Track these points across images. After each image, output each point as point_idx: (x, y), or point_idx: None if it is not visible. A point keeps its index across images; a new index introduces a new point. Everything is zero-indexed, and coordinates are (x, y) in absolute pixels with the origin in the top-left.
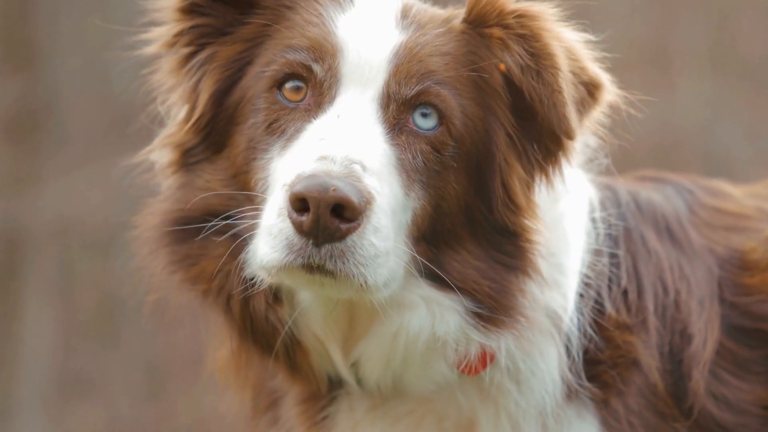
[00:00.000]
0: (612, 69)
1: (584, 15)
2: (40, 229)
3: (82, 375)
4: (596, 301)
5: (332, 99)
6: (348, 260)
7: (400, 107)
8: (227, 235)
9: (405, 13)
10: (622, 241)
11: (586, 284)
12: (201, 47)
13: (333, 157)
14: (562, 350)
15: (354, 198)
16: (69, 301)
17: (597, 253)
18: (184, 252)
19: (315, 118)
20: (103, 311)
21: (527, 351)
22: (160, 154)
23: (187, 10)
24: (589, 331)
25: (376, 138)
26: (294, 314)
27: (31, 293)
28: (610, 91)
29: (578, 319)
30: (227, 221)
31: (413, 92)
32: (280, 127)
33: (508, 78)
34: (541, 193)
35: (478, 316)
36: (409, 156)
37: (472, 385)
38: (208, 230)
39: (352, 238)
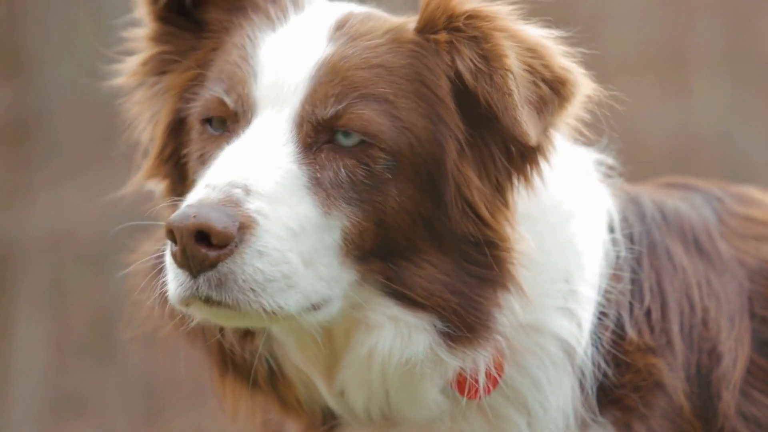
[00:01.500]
0: (626, 72)
1: (597, 16)
2: (31, 243)
3: (76, 394)
4: (616, 325)
5: (248, 123)
6: (230, 288)
7: (316, 127)
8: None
9: (341, 25)
10: (645, 257)
11: (604, 310)
12: (162, 75)
13: (215, 183)
14: (576, 383)
15: (216, 224)
16: (61, 317)
17: (617, 274)
18: (159, 288)
19: (228, 144)
20: (97, 328)
21: (535, 381)
22: (154, 184)
23: (156, 38)
24: (603, 361)
25: (280, 159)
26: (265, 345)
27: (22, 310)
28: (583, 86)
29: (596, 348)
30: None
31: (330, 113)
32: (206, 157)
33: (459, 85)
34: (543, 208)
35: (447, 335)
36: (329, 173)
37: (478, 415)
38: (157, 261)
39: (226, 265)
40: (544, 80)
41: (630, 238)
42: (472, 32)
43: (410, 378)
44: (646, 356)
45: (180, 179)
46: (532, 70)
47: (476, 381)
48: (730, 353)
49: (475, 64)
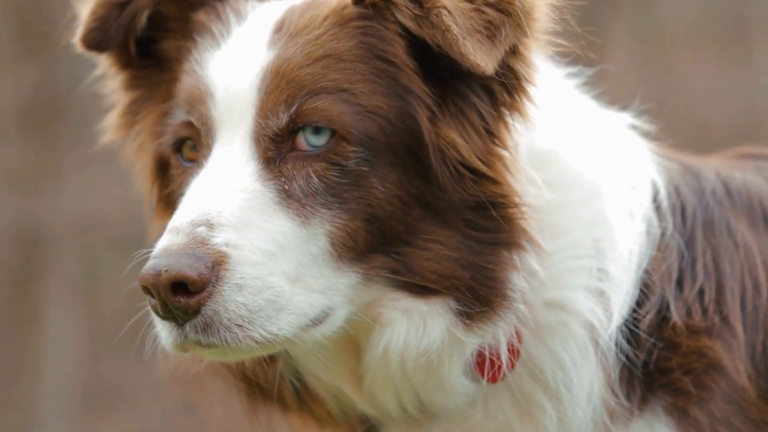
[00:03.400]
0: (683, 43)
1: None
2: (61, 228)
3: (110, 385)
4: (659, 306)
5: (210, 149)
6: (218, 329)
7: (275, 138)
8: None
9: (279, 26)
10: (699, 234)
11: (644, 291)
12: (139, 120)
13: (179, 227)
14: (600, 367)
15: (189, 272)
16: (93, 305)
17: (661, 252)
18: None
19: (194, 177)
20: (131, 315)
21: (559, 361)
22: None
23: (126, 86)
24: (641, 345)
25: (241, 182)
26: (287, 366)
27: (52, 298)
28: None
29: (630, 331)
30: None
31: (284, 121)
32: (182, 192)
33: (412, 41)
34: (563, 177)
35: (464, 314)
36: (300, 183)
37: (508, 398)
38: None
39: (209, 308)
40: (487, 4)
41: (682, 213)
42: None
43: (429, 367)
44: (698, 338)
45: None
46: None
47: (498, 359)
48: None
49: (412, 11)
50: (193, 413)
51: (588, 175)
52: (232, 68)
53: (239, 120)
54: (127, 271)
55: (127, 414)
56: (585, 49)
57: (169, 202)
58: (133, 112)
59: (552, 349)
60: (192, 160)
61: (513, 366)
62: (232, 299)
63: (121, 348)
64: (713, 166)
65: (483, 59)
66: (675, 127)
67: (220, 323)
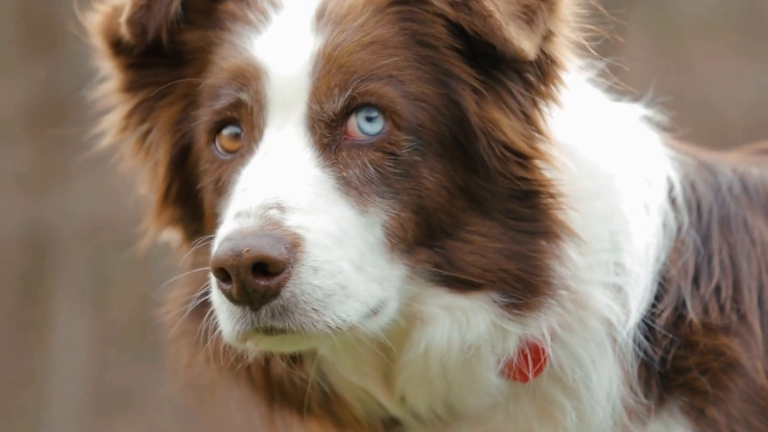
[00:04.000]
0: (701, 36)
1: None
2: (69, 230)
3: (121, 389)
4: (675, 304)
5: (261, 133)
6: (294, 313)
7: (329, 124)
8: (210, 310)
9: (321, 14)
10: (715, 230)
11: (660, 287)
12: (149, 119)
13: (248, 210)
14: (618, 366)
15: (271, 252)
16: (103, 308)
17: (677, 247)
18: (197, 332)
19: (245, 165)
20: (141, 318)
21: (579, 360)
22: (168, 233)
23: (128, 89)
24: (658, 344)
25: (303, 167)
26: (315, 368)
27: (61, 301)
28: None
29: (647, 329)
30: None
31: (339, 106)
32: (223, 184)
33: (450, 23)
34: (580, 170)
35: (511, 305)
36: (356, 171)
37: (527, 398)
38: (197, 305)
39: (288, 290)
40: None
41: (698, 209)
42: None
43: (470, 365)
44: (715, 336)
45: (194, 217)
46: None
47: (538, 353)
48: None
49: None
50: (206, 418)
51: (603, 168)
52: (280, 53)
53: (291, 105)
54: (138, 273)
55: (138, 417)
56: (602, 42)
57: (181, 202)
58: (141, 112)
59: (571, 348)
60: (230, 152)
61: (544, 365)
62: (309, 282)
63: (131, 350)
64: (729, 162)
65: (525, 44)
66: (691, 121)
67: (296, 306)
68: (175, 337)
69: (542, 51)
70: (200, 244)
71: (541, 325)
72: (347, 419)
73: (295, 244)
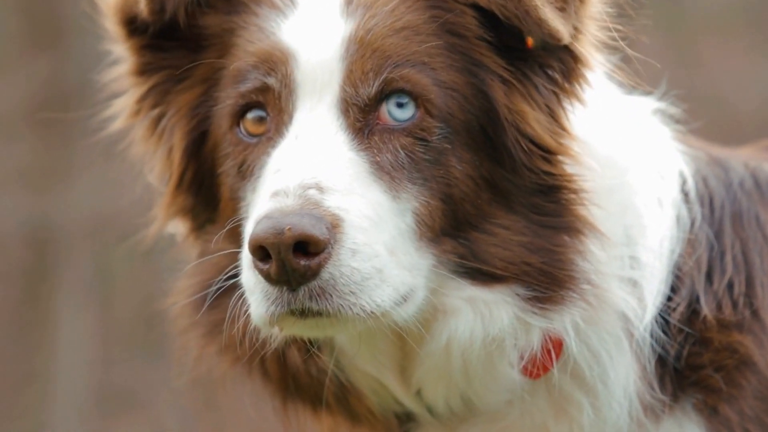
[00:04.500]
0: (713, 32)
1: None
2: (73, 227)
3: (124, 388)
4: (689, 299)
5: (291, 116)
6: (332, 295)
7: (363, 108)
8: (237, 294)
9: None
10: (728, 226)
11: (675, 282)
12: (164, 103)
13: (285, 189)
14: (635, 362)
15: (313, 231)
16: (107, 306)
17: (691, 242)
18: (210, 323)
19: (275, 147)
20: (145, 317)
21: (595, 355)
22: (174, 225)
23: (142, 72)
24: (673, 340)
25: (338, 149)
26: (333, 359)
27: (65, 298)
28: None
29: (663, 325)
30: (233, 279)
31: (373, 90)
32: (249, 167)
33: (480, 14)
34: (595, 165)
35: (534, 299)
36: (388, 156)
37: (543, 395)
38: (214, 294)
39: (327, 271)
40: None
41: (710, 204)
42: None
43: (492, 359)
44: (729, 333)
45: (206, 206)
46: None
47: (555, 348)
48: None
49: None
50: (210, 416)
51: (618, 162)
52: (309, 37)
53: (322, 89)
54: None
55: (142, 417)
56: (617, 37)
57: (195, 189)
58: (155, 96)
59: (588, 343)
60: (255, 135)
61: (558, 359)
62: (348, 264)
63: (135, 349)
64: (741, 158)
65: (560, 26)
66: (703, 117)
67: (334, 289)
68: (184, 328)
69: (568, 47)
70: (233, 224)
71: (564, 320)
72: (362, 413)
73: (334, 225)
